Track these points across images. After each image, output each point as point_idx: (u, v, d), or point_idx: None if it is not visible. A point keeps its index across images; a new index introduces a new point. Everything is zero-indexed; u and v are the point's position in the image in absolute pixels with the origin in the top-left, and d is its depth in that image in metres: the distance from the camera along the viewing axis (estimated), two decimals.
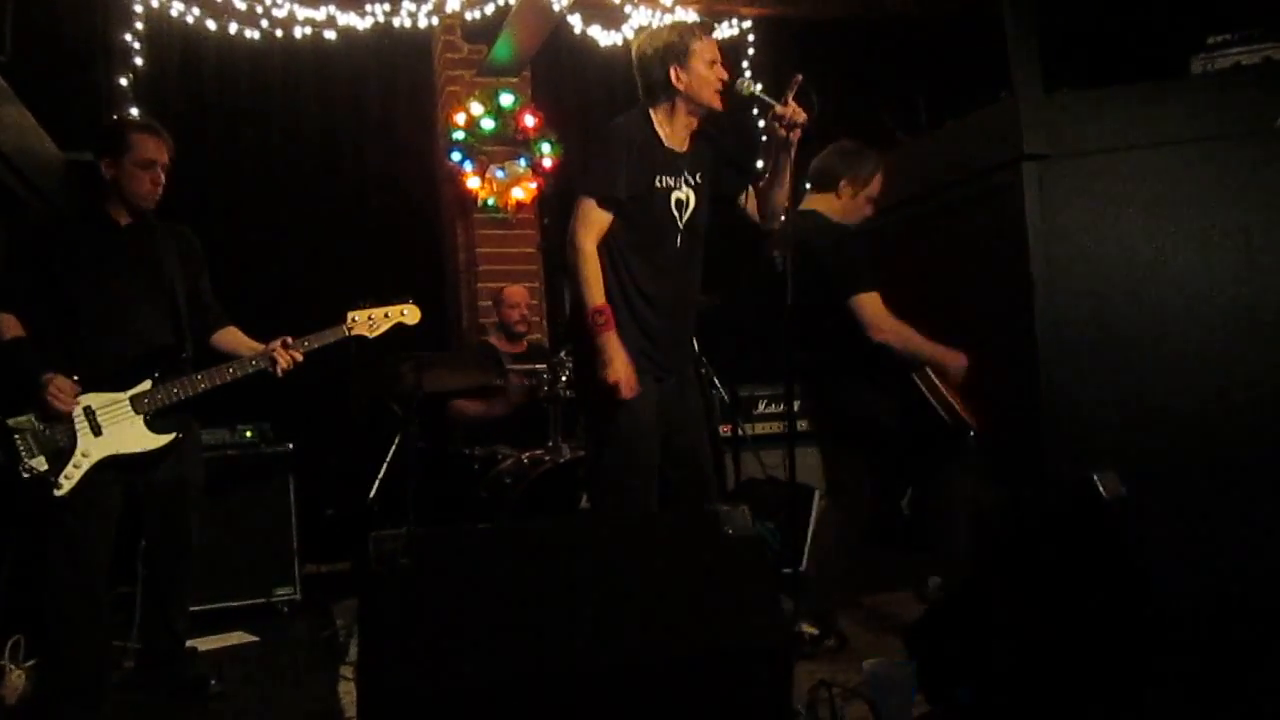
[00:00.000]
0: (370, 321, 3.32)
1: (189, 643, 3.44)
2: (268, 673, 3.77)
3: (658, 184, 2.98)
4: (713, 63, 2.99)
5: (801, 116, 2.89)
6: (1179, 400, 4.12)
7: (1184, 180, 4.46)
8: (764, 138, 3.09)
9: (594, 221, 2.94)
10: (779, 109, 2.90)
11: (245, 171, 5.49)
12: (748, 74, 3.05)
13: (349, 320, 3.29)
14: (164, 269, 3.20)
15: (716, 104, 3.01)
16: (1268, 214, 4.35)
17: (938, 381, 3.46)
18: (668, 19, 5.50)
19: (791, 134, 2.92)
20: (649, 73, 3.00)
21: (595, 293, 2.92)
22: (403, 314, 3.37)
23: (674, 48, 2.96)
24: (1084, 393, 3.97)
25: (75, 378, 2.94)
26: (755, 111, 3.08)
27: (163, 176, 3.15)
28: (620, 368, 2.89)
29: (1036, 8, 4.73)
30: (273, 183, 5.53)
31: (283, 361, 3.17)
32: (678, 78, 2.96)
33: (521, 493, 4.00)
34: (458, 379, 4.57)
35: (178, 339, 3.19)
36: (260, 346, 3.26)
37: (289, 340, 3.20)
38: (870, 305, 3.38)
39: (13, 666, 3.28)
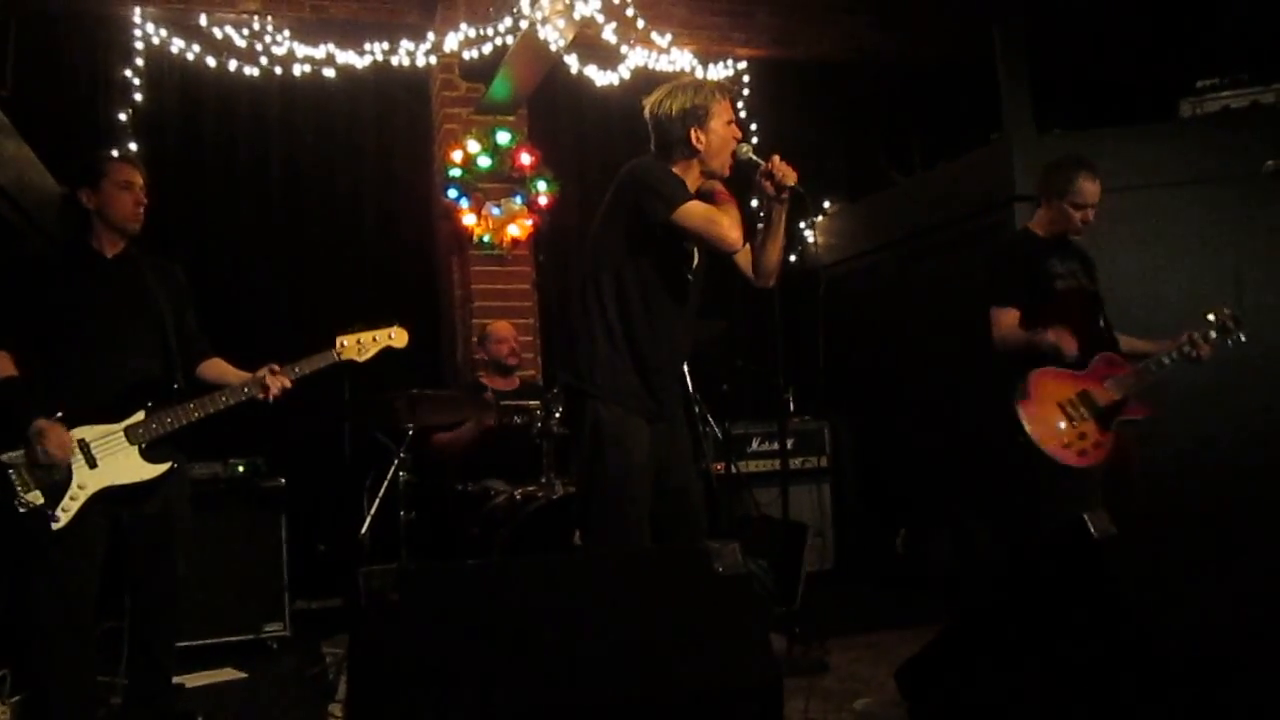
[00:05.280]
0: (359, 345, 3.31)
1: (176, 679, 3.41)
2: (256, 710, 3.74)
3: None
4: (729, 123, 3.00)
5: (792, 178, 2.87)
6: (1168, 440, 4.14)
7: (1174, 222, 4.51)
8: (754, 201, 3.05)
9: (704, 213, 2.85)
10: (766, 166, 2.89)
11: (242, 206, 5.51)
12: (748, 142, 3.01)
13: (338, 345, 3.28)
14: (152, 301, 3.20)
15: (726, 171, 3.02)
16: (1257, 256, 4.39)
17: (1050, 409, 3.53)
18: (663, 60, 5.57)
19: (781, 194, 2.91)
20: (667, 131, 2.99)
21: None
22: (390, 337, 3.36)
23: (695, 110, 2.95)
24: None
25: (59, 414, 2.93)
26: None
27: (144, 197, 3.17)
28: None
29: (1028, 52, 4.80)
30: (270, 218, 5.56)
31: (274, 387, 3.16)
32: (698, 139, 2.96)
33: (514, 529, 3.98)
34: (449, 415, 4.57)
35: (168, 370, 3.19)
36: (247, 375, 3.25)
37: (275, 368, 3.19)
38: (1000, 319, 3.58)
39: None
